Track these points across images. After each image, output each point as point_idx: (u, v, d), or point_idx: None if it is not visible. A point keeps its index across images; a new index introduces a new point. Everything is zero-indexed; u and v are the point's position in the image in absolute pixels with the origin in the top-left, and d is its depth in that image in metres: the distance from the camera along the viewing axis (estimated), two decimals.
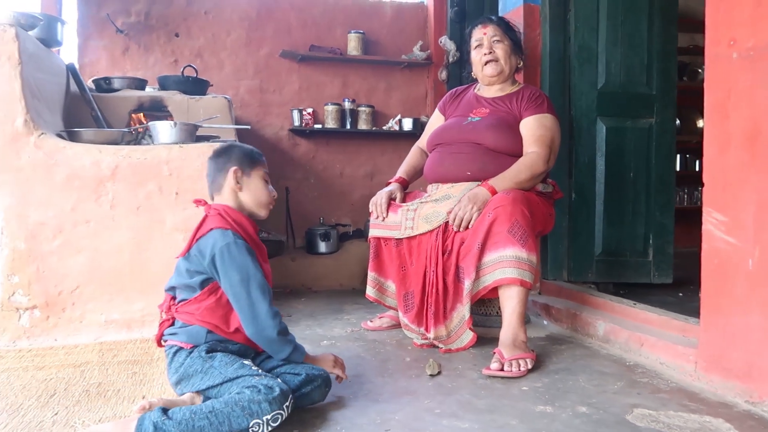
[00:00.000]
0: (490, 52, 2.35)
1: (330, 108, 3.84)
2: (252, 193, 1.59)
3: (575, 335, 2.29)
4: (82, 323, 2.27)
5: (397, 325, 2.43)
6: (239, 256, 1.46)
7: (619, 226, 2.71)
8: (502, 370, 1.81)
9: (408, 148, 4.12)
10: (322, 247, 3.62)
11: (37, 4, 3.22)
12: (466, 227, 2.08)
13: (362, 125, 3.92)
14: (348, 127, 3.89)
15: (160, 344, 1.55)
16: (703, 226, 1.65)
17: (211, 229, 1.49)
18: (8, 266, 2.21)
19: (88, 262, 2.27)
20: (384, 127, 4.01)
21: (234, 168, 1.56)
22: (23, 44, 2.23)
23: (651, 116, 2.72)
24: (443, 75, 4.03)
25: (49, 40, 2.54)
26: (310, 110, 3.83)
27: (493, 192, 2.09)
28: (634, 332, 1.98)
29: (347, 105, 3.88)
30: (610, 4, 2.68)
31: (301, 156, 3.94)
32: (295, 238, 3.84)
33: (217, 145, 1.70)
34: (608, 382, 1.74)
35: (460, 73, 4.01)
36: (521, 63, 2.44)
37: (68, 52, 3.47)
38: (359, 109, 3.92)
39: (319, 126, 3.85)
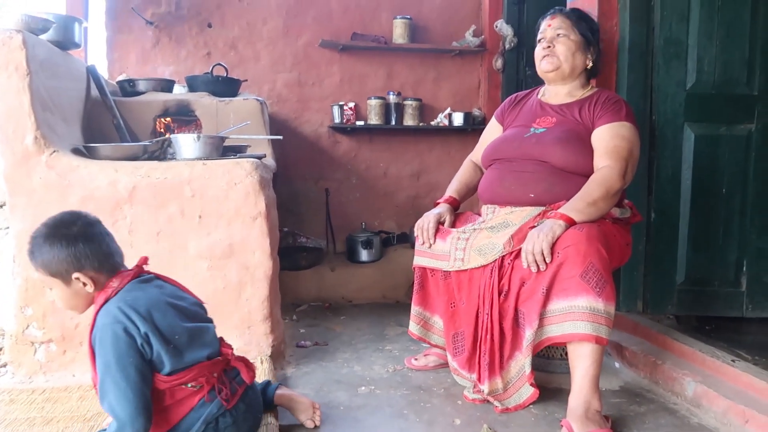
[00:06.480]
0: (549, 47, 2.02)
1: (373, 102, 3.52)
2: None
3: (655, 389, 1.95)
4: None
5: (445, 365, 2.15)
6: None
7: (706, 250, 2.32)
8: None
9: (458, 145, 3.83)
10: (364, 255, 3.36)
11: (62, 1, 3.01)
12: (543, 262, 1.70)
13: (408, 121, 3.59)
14: (393, 123, 3.57)
15: None
16: None
17: None
18: (21, 297, 2.04)
19: None
20: (432, 123, 3.67)
21: None
22: (32, 51, 2.01)
23: (751, 121, 2.30)
24: (498, 63, 3.64)
25: (66, 42, 2.32)
26: (351, 105, 3.53)
27: (567, 221, 1.75)
28: (735, 402, 1.63)
29: (392, 99, 3.55)
30: None
31: (342, 155, 3.65)
32: (336, 243, 3.58)
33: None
34: None
35: (517, 61, 3.63)
36: (590, 62, 2.05)
37: (96, 48, 3.27)
38: (405, 102, 3.58)
39: (362, 123, 3.54)
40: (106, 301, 1.33)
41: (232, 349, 1.50)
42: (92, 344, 1.31)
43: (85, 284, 1.33)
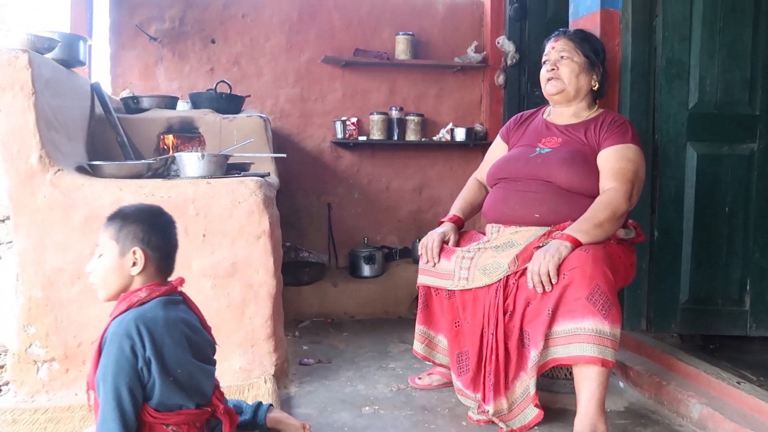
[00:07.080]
0: (553, 69, 2.04)
1: (376, 117, 3.54)
2: None
3: (660, 410, 1.94)
4: None
5: (449, 383, 2.14)
6: None
7: (709, 269, 2.32)
8: None
9: (460, 160, 3.84)
10: (366, 270, 3.35)
11: (66, 15, 3.02)
12: (549, 283, 1.71)
13: (410, 136, 3.60)
14: (395, 138, 3.58)
15: None
16: None
17: None
18: (24, 316, 2.03)
19: (109, 311, 2.05)
20: (434, 138, 3.68)
21: None
22: (37, 71, 2.01)
23: (753, 141, 2.30)
24: (500, 79, 3.66)
25: (71, 61, 2.33)
26: (354, 120, 3.54)
27: (573, 242, 1.75)
28: (742, 426, 1.62)
29: (394, 114, 3.57)
30: (706, 7, 2.26)
31: (344, 169, 3.65)
32: (338, 258, 3.58)
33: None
34: None
35: (519, 77, 3.65)
36: (596, 83, 2.06)
37: (100, 63, 3.28)
38: (407, 118, 3.60)
39: (364, 138, 3.55)
40: (127, 309, 1.32)
41: (223, 397, 1.47)
42: (102, 346, 1.29)
43: (135, 263, 1.34)
